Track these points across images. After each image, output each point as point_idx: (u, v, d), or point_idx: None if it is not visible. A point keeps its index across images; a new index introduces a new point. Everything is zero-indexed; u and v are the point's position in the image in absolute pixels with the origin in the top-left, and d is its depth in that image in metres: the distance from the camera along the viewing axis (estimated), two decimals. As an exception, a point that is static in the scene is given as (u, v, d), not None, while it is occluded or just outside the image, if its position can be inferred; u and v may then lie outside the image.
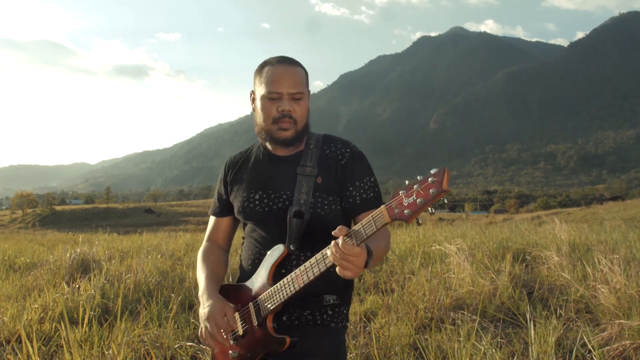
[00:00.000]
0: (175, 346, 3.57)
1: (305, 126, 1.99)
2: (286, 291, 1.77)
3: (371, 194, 1.97)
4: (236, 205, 2.06)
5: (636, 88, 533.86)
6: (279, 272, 1.88)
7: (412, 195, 1.46)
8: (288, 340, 1.80)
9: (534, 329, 3.42)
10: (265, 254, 1.93)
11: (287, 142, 1.95)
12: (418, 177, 1.49)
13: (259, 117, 1.97)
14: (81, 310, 4.29)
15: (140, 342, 3.68)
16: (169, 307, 4.60)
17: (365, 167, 2.02)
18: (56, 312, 4.46)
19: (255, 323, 1.85)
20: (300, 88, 1.92)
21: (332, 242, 1.60)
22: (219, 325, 1.85)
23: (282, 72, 1.91)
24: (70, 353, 3.22)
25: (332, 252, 1.58)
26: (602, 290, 4.50)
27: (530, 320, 3.36)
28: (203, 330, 1.90)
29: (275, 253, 1.87)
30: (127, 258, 8.12)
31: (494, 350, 3.17)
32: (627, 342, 3.21)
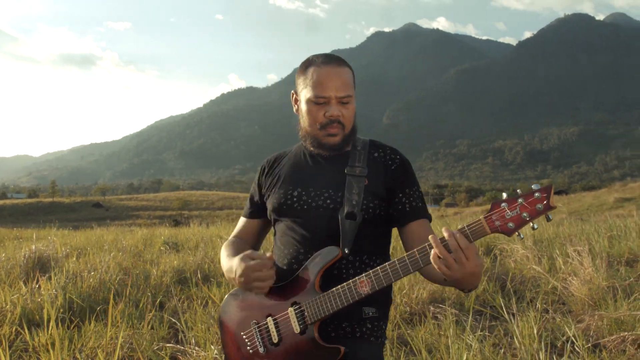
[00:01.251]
0: (155, 348, 3.39)
1: (353, 129, 1.89)
2: (343, 298, 1.65)
3: (420, 204, 1.90)
4: (272, 202, 1.93)
5: (579, 87, 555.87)
6: (325, 277, 1.74)
7: (516, 208, 1.46)
8: (342, 350, 1.64)
9: (515, 321, 3.43)
10: (304, 254, 1.80)
11: (334, 148, 1.86)
12: (518, 191, 1.49)
13: (305, 121, 1.87)
14: (45, 311, 4.03)
15: (112, 344, 3.48)
16: (140, 306, 4.39)
17: (414, 176, 1.96)
18: (15, 314, 4.19)
19: (297, 330, 1.69)
20: (348, 91, 1.81)
21: (445, 234, 1.50)
22: (253, 268, 1.69)
23: (328, 74, 1.80)
24: (38, 358, 3.01)
25: (450, 238, 1.48)
26: (573, 282, 4.59)
27: (515, 312, 3.37)
28: (248, 288, 1.74)
29: (327, 255, 1.71)
30: (84, 255, 7.79)
31: (480, 343, 3.15)
32: (624, 334, 3.24)
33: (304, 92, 1.84)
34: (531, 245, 6.84)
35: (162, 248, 8.85)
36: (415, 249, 1.57)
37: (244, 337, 1.79)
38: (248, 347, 1.78)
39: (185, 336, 3.49)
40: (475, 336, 3.23)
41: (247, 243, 2.03)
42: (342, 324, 1.80)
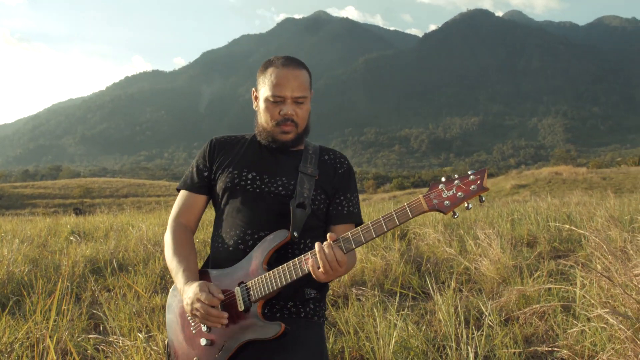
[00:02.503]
0: (78, 339, 3.26)
1: (306, 129, 2.02)
2: (287, 276, 1.74)
3: (356, 210, 2.06)
4: (223, 180, 2.00)
5: (480, 79, 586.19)
6: (273, 258, 1.85)
7: (452, 189, 1.60)
8: (282, 327, 1.72)
9: (435, 299, 3.63)
10: (251, 235, 1.89)
11: (287, 144, 1.99)
12: (455, 175, 1.62)
13: (262, 118, 1.99)
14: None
15: (31, 338, 3.30)
16: (54, 298, 4.17)
17: (355, 183, 2.11)
18: None
19: (241, 308, 1.78)
20: (303, 92, 1.94)
21: (324, 243, 1.69)
22: (208, 302, 1.74)
23: (286, 75, 1.91)
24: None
25: (321, 250, 1.66)
26: (483, 262, 4.91)
27: (434, 292, 3.56)
28: (197, 316, 1.78)
29: (276, 237, 1.82)
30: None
31: (404, 322, 3.30)
32: (536, 306, 3.51)
33: (263, 91, 1.96)
34: (442, 229, 7.22)
35: (71, 238, 8.41)
36: (358, 227, 1.70)
37: (189, 318, 1.87)
38: (192, 328, 1.87)
39: (108, 326, 3.39)
40: (399, 315, 3.39)
41: (191, 232, 2.05)
42: (287, 304, 1.91)
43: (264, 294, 1.75)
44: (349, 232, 1.70)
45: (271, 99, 1.92)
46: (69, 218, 13.85)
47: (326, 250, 1.67)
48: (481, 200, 1.59)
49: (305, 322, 1.92)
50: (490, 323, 3.34)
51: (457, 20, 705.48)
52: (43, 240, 8.57)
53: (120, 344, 3.03)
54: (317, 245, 1.69)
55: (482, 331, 3.06)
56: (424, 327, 3.39)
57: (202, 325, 1.83)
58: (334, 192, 2.03)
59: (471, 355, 2.56)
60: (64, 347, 3.14)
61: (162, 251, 6.76)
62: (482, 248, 5.27)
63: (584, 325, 2.81)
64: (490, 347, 3.02)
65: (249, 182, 1.96)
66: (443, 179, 1.63)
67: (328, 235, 1.70)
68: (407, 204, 1.63)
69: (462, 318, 3.13)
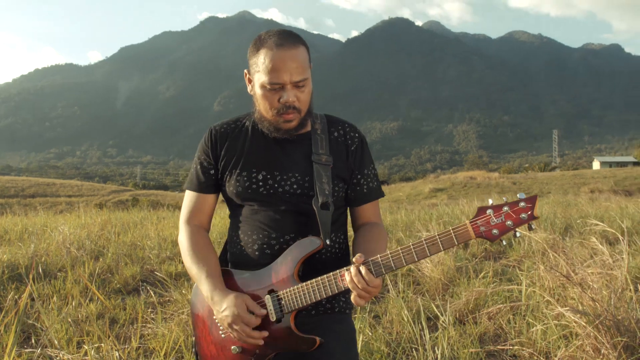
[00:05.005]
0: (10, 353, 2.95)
1: (309, 111, 1.84)
2: (322, 291, 1.66)
3: (375, 183, 1.94)
4: (233, 184, 1.84)
5: (400, 86, 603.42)
6: (303, 266, 1.75)
7: (501, 216, 1.52)
8: (318, 341, 1.66)
9: (385, 301, 3.62)
10: (276, 239, 1.79)
11: (291, 131, 1.82)
12: (504, 199, 1.55)
13: (260, 105, 1.81)
14: None
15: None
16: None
17: (369, 154, 1.97)
18: None
19: (273, 319, 1.69)
20: (303, 74, 1.74)
21: (353, 270, 1.60)
22: (248, 323, 1.65)
23: (282, 58, 1.70)
24: None
25: (353, 281, 1.59)
26: (428, 264, 4.98)
27: (388, 295, 3.55)
28: (234, 335, 1.68)
29: (307, 245, 1.71)
30: None
31: (363, 325, 3.27)
32: (493, 308, 3.57)
33: (257, 76, 1.76)
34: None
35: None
36: (398, 248, 1.60)
37: (217, 321, 1.76)
38: (220, 332, 1.76)
39: (45, 338, 3.11)
40: (355, 320, 3.35)
41: (207, 233, 1.93)
42: (322, 301, 1.82)
43: (297, 306, 1.68)
44: (388, 253, 1.60)
45: (268, 86, 1.73)
46: (-25, 219, 12.78)
47: (355, 279, 1.58)
48: (530, 229, 1.53)
49: (339, 316, 1.86)
50: (444, 324, 3.38)
51: (378, 27, 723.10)
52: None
53: (62, 357, 2.78)
54: (346, 274, 1.61)
55: (438, 332, 3.08)
56: (379, 330, 3.38)
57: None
58: (350, 173, 1.89)
59: (439, 356, 2.55)
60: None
61: (89, 254, 6.37)
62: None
63: (545, 324, 2.89)
64: (451, 348, 3.04)
65: (260, 183, 1.82)
66: (491, 202, 1.57)
67: (355, 258, 1.60)
68: (452, 229, 1.56)
69: (418, 320, 3.13)
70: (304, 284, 1.68)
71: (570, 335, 2.71)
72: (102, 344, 2.80)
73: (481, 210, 1.55)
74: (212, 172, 1.90)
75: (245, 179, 1.83)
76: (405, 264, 1.60)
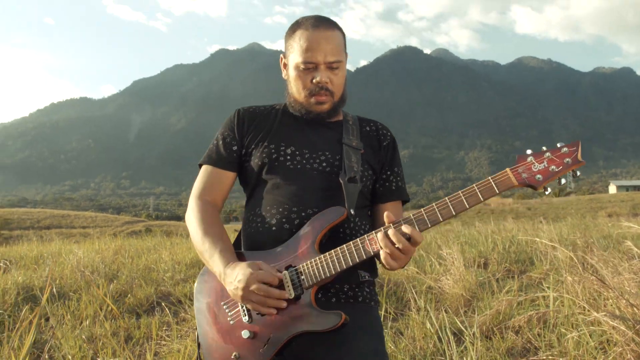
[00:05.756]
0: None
1: (342, 97, 1.79)
2: (347, 259, 1.52)
3: (404, 185, 1.88)
4: (258, 156, 1.75)
5: (409, 113, 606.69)
6: (324, 239, 1.60)
7: (544, 162, 1.44)
8: (343, 316, 1.47)
9: (408, 317, 3.50)
10: (297, 213, 1.65)
11: (323, 115, 1.77)
12: (543, 147, 1.47)
13: (292, 88, 1.77)
14: None
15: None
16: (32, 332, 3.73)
17: (399, 156, 1.92)
18: None
19: (290, 295, 1.53)
20: (338, 56, 1.70)
21: (387, 229, 1.49)
22: (264, 280, 1.51)
23: (317, 38, 1.68)
24: None
25: (387, 238, 1.47)
26: (447, 281, 4.86)
27: (412, 309, 3.43)
28: (253, 300, 1.53)
29: (330, 215, 1.58)
30: None
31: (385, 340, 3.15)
32: (520, 317, 3.44)
33: (292, 57, 1.73)
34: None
35: (1, 264, 7.73)
36: (433, 204, 1.50)
37: (225, 307, 1.63)
38: (229, 318, 1.62)
39: (58, 355, 3.02)
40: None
41: (219, 211, 1.80)
42: (344, 287, 1.68)
43: (319, 279, 1.52)
44: (422, 210, 1.49)
45: (302, 66, 1.69)
46: (-10, 247, 12.83)
47: (394, 237, 1.46)
48: (574, 176, 1.43)
49: (363, 307, 1.70)
50: (470, 338, 3.25)
51: (387, 56, 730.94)
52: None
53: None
54: (378, 234, 1.49)
55: (464, 345, 2.95)
56: (402, 345, 3.25)
57: (242, 315, 1.59)
58: (381, 167, 1.82)
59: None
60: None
61: (103, 277, 6.31)
62: (444, 267, 5.23)
63: (580, 331, 2.75)
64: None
65: (288, 157, 1.73)
66: (529, 152, 1.46)
67: (385, 216, 1.49)
68: (491, 178, 1.45)
69: (442, 334, 3.02)
70: (327, 253, 1.54)
71: (607, 343, 2.57)
72: (117, 359, 2.71)
73: (521, 158, 1.46)
74: (235, 148, 1.80)
75: (272, 150, 1.75)
76: (441, 220, 1.47)
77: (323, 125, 1.81)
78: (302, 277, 1.55)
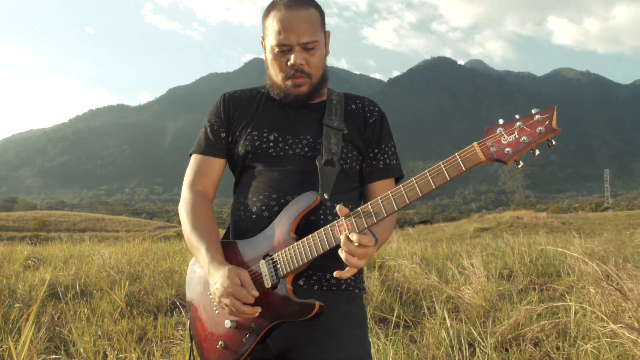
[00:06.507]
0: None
1: (323, 78, 1.74)
2: (318, 247, 1.48)
3: (394, 161, 1.80)
4: (243, 144, 1.74)
5: (441, 124, 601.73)
6: (302, 225, 1.57)
7: (514, 132, 1.31)
8: (317, 305, 1.46)
9: (424, 326, 3.44)
10: (276, 200, 1.64)
11: (303, 98, 1.73)
12: (516, 116, 1.34)
13: (271, 71, 1.74)
14: None
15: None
16: (10, 319, 3.83)
17: (389, 131, 1.84)
18: None
19: (267, 285, 1.53)
20: (313, 36, 1.65)
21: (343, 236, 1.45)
22: (239, 297, 1.49)
23: (289, 18, 1.63)
24: None
25: (345, 242, 1.43)
26: (467, 291, 4.77)
27: (425, 319, 3.37)
28: (226, 309, 1.53)
29: (303, 201, 1.55)
30: None
31: (397, 347, 3.10)
32: (538, 325, 3.35)
33: (267, 40, 1.70)
34: (419, 261, 7.09)
35: (29, 262, 7.94)
36: (400, 185, 1.42)
37: (211, 297, 1.62)
38: (215, 308, 1.62)
39: (72, 349, 3.07)
40: (388, 340, 3.19)
41: (209, 201, 1.79)
42: (326, 275, 1.64)
43: (292, 267, 1.50)
44: (389, 193, 1.41)
45: (276, 49, 1.65)
46: (24, 246, 13.19)
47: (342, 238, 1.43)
48: (549, 146, 1.31)
49: (346, 294, 1.67)
50: (482, 349, 3.18)
51: (420, 67, 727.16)
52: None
53: (87, 365, 2.73)
54: (345, 222, 1.45)
55: (477, 356, 2.89)
56: (415, 352, 3.19)
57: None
58: (367, 146, 1.77)
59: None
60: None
61: (127, 278, 6.40)
62: (465, 277, 5.14)
63: (597, 342, 2.66)
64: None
65: (270, 144, 1.72)
66: (501, 121, 1.34)
67: (337, 208, 1.44)
68: (458, 154, 1.35)
69: (455, 344, 2.95)
70: (300, 241, 1.52)
71: (624, 356, 2.47)
72: (127, 355, 2.73)
73: (490, 130, 1.34)
74: (223, 134, 1.79)
75: (255, 137, 1.73)
76: (408, 202, 1.38)
77: (306, 107, 1.77)
78: (278, 266, 1.54)
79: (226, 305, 1.51)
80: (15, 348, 2.97)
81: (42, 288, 5.36)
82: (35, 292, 5.27)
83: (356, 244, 1.42)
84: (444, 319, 3.55)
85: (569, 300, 3.59)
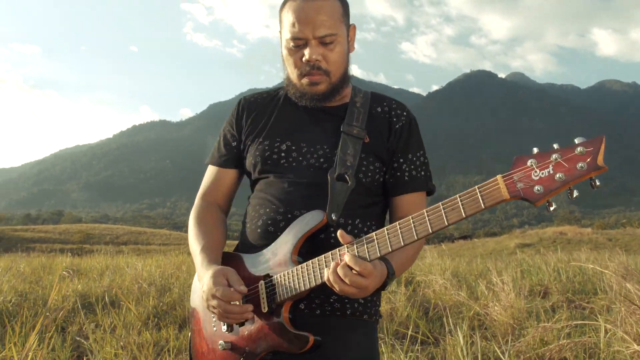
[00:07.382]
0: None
1: (343, 76, 1.58)
2: (318, 275, 1.34)
3: (422, 173, 1.61)
4: (253, 154, 1.62)
5: (483, 139, 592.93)
6: (306, 246, 1.44)
7: (548, 166, 1.08)
8: (312, 339, 1.34)
9: (444, 343, 3.36)
10: (283, 215, 1.50)
11: (320, 98, 1.57)
12: (554, 146, 1.10)
13: (287, 68, 1.60)
14: None
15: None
16: (37, 330, 3.92)
17: (420, 139, 1.66)
18: None
19: (264, 309, 1.41)
20: (330, 28, 1.49)
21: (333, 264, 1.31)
22: (224, 297, 1.38)
23: (305, 9, 1.47)
24: None
25: (341, 269, 1.28)
26: (495, 307, 4.64)
27: (448, 333, 3.30)
28: (215, 314, 1.44)
29: (309, 220, 1.41)
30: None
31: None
32: (561, 343, 3.24)
33: (283, 33, 1.57)
34: (450, 277, 6.97)
35: (64, 273, 8.16)
36: (410, 217, 1.25)
37: (211, 313, 1.52)
38: (212, 324, 1.52)
39: (92, 358, 3.13)
40: (407, 357, 3.13)
41: (219, 209, 1.71)
42: (330, 299, 1.49)
43: (289, 295, 1.37)
44: (396, 224, 1.25)
45: (291, 43, 1.51)
46: (65, 257, 13.58)
47: (339, 271, 1.28)
48: (592, 187, 1.06)
49: (352, 322, 1.51)
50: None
51: (460, 81, 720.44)
52: (36, 277, 8.33)
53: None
54: (347, 255, 1.30)
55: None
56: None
57: (221, 323, 1.49)
58: (391, 155, 1.58)
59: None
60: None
61: (158, 290, 6.50)
62: (494, 293, 5.01)
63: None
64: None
65: (282, 154, 1.57)
66: (535, 150, 1.11)
67: (339, 234, 1.30)
68: (478, 188, 1.14)
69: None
70: (299, 266, 1.38)
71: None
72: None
73: (519, 161, 1.11)
74: (234, 144, 1.69)
75: (266, 147, 1.60)
76: (416, 237, 1.21)
77: (324, 112, 1.61)
78: (276, 290, 1.42)
79: (213, 307, 1.41)
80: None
81: (72, 298, 5.49)
82: (68, 302, 5.40)
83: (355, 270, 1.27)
84: (464, 337, 3.47)
85: (599, 320, 3.45)
